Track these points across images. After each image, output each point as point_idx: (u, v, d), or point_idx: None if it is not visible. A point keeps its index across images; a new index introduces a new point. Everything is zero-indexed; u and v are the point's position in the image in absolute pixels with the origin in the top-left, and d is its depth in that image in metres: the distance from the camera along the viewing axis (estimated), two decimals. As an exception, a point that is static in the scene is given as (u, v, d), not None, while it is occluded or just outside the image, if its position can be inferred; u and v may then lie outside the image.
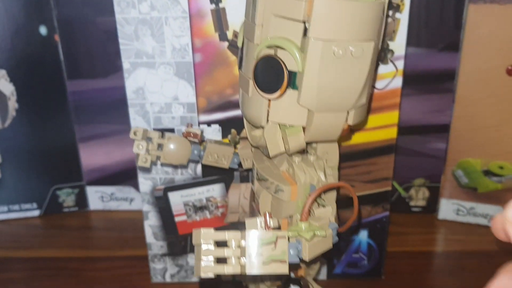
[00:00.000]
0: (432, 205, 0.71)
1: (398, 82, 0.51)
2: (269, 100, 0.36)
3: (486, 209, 0.68)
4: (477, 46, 0.61)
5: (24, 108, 0.67)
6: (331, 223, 0.36)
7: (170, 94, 0.51)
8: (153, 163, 0.51)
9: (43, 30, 0.65)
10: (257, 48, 0.35)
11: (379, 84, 0.51)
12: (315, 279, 0.50)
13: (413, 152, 0.69)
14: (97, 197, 0.74)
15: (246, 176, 0.55)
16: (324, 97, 0.34)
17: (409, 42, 0.57)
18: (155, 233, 0.57)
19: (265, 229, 0.33)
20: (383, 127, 0.53)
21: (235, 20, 0.48)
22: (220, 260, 0.33)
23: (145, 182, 0.55)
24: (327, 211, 0.37)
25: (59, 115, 0.69)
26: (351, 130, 0.51)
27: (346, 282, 0.60)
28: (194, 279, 0.60)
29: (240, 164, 0.48)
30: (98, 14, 0.64)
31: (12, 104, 0.67)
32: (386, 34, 0.48)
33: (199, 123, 0.52)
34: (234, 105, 0.51)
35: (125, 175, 0.73)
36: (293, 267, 0.44)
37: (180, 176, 0.55)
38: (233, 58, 0.49)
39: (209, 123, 0.52)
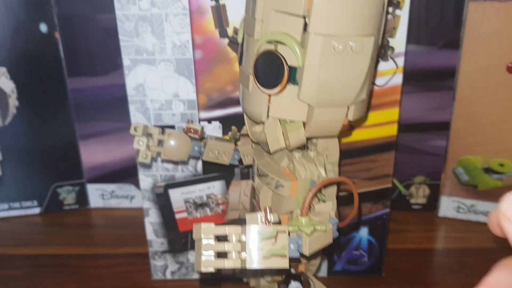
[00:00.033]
0: (432, 202, 0.71)
1: (398, 79, 0.51)
2: (270, 96, 0.36)
3: (486, 207, 0.68)
4: (478, 44, 0.61)
5: (24, 106, 0.68)
6: (332, 218, 0.36)
7: (170, 91, 0.51)
8: (154, 159, 0.52)
9: (43, 27, 0.65)
10: (257, 44, 0.35)
11: (379, 81, 0.51)
12: (315, 276, 0.50)
13: (413, 149, 0.69)
14: (98, 195, 0.74)
15: (246, 173, 0.55)
16: (324, 92, 0.34)
17: (409, 40, 0.57)
18: (156, 230, 0.58)
19: (266, 223, 0.33)
20: (383, 124, 0.53)
21: (235, 16, 0.48)
22: (221, 255, 0.33)
23: (145, 179, 0.55)
24: (328, 206, 0.37)
25: (59, 112, 0.69)
26: (351, 127, 0.51)
27: (347, 279, 0.60)
28: (195, 276, 0.60)
29: (240, 161, 0.48)
30: (98, 12, 0.64)
31: (13, 102, 0.67)
32: (386, 31, 0.48)
33: (200, 120, 0.52)
34: (235, 102, 0.51)
35: (126, 172, 0.73)
36: (293, 262, 0.44)
37: (180, 173, 0.55)
38: (233, 55, 0.50)
39: (209, 120, 0.52)
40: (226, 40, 0.49)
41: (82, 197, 0.74)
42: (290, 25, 0.34)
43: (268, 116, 0.37)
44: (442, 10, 0.61)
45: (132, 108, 0.52)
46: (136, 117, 0.52)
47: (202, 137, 0.48)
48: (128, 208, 0.74)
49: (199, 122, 0.52)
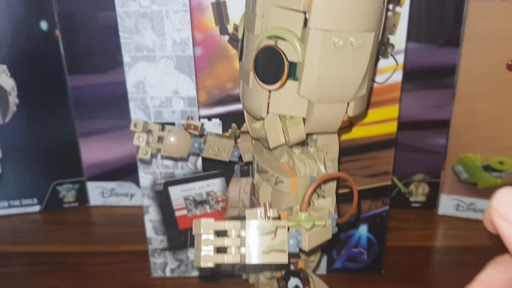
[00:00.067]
0: (432, 200, 0.71)
1: (398, 76, 0.51)
2: (270, 91, 0.36)
3: (486, 205, 0.68)
4: (478, 42, 0.61)
5: (24, 104, 0.68)
6: (331, 214, 0.36)
7: (170, 88, 0.51)
8: (154, 156, 0.52)
9: (44, 25, 0.65)
10: (257, 39, 0.35)
11: (380, 78, 0.51)
12: (315, 273, 0.50)
13: (413, 147, 0.69)
14: (98, 193, 0.74)
15: (246, 170, 0.55)
16: (324, 88, 0.35)
17: (410, 38, 0.57)
18: (156, 227, 0.58)
19: (265, 219, 0.33)
20: (383, 121, 0.53)
21: (235, 13, 0.48)
22: (220, 250, 0.33)
23: (145, 177, 0.55)
24: (327, 202, 0.37)
25: (59, 110, 0.69)
26: (351, 123, 0.51)
27: (346, 276, 0.60)
28: (194, 273, 0.60)
29: (240, 157, 0.48)
30: (98, 9, 0.64)
31: (13, 100, 0.67)
32: (386, 28, 0.48)
33: (200, 117, 0.52)
34: (235, 99, 0.51)
35: (126, 170, 0.73)
36: (293, 258, 0.44)
37: (180, 170, 0.55)
38: (233, 52, 0.50)
39: (209, 117, 0.53)
40: (226, 37, 0.49)
41: (82, 195, 0.74)
42: (290, 20, 0.34)
43: (268, 112, 0.37)
44: (442, 7, 0.61)
45: (132, 105, 0.52)
46: (136, 114, 0.52)
47: (202, 134, 0.48)
48: (128, 206, 0.74)
49: (199, 119, 0.52)
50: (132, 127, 0.45)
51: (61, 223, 0.71)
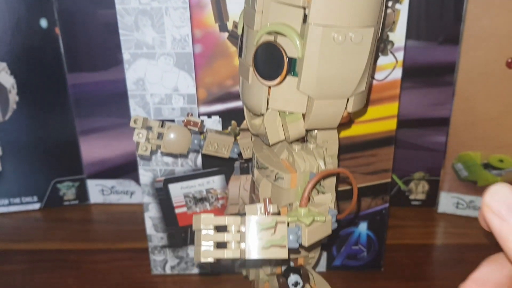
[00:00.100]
0: (431, 198, 0.71)
1: (398, 74, 0.51)
2: (269, 87, 0.36)
3: (485, 203, 0.68)
4: (477, 39, 0.61)
5: (24, 101, 0.68)
6: (331, 210, 0.36)
7: (170, 85, 0.52)
8: (153, 153, 0.52)
9: (43, 23, 0.65)
10: (257, 35, 0.35)
11: (379, 75, 0.51)
12: (314, 270, 0.50)
13: (412, 145, 0.69)
14: (98, 191, 0.75)
15: (246, 168, 0.55)
16: (324, 83, 0.35)
17: (409, 35, 0.57)
18: (155, 224, 0.58)
19: (265, 214, 0.33)
20: (383, 119, 0.53)
21: (235, 10, 0.48)
22: (220, 245, 0.33)
23: (145, 174, 0.55)
24: (327, 198, 0.37)
25: (59, 108, 0.69)
26: (350, 120, 0.51)
27: (346, 274, 0.60)
28: (195, 271, 0.60)
29: (240, 154, 0.49)
30: (98, 7, 0.64)
31: (13, 97, 0.67)
32: (386, 25, 0.49)
33: (199, 115, 0.52)
34: (234, 96, 0.52)
35: (126, 168, 0.73)
36: (293, 255, 0.44)
37: (180, 167, 0.55)
38: (233, 49, 0.50)
39: (209, 115, 0.53)
40: (226, 34, 0.49)
41: (82, 193, 0.74)
42: (290, 16, 0.34)
43: (267, 108, 0.37)
44: (442, 5, 0.61)
45: (132, 103, 0.52)
46: (136, 111, 0.52)
47: (201, 131, 0.48)
48: (128, 204, 0.75)
49: (199, 117, 0.52)
50: (132, 124, 0.45)
51: (61, 221, 0.71)
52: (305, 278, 0.45)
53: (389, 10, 0.48)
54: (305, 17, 0.33)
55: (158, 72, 0.51)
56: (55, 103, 0.69)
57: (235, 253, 0.32)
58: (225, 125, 0.53)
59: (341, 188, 0.52)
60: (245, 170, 0.55)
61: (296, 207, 0.36)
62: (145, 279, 0.60)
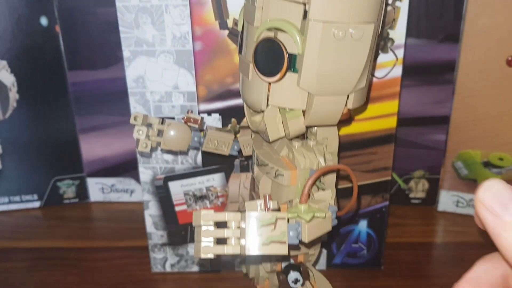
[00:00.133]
0: (431, 197, 0.71)
1: (398, 71, 0.51)
2: (269, 84, 0.36)
3: (485, 201, 0.68)
4: (477, 37, 0.61)
5: (24, 99, 0.68)
6: (331, 206, 0.36)
7: (170, 82, 0.52)
8: (153, 149, 0.52)
9: (44, 21, 0.65)
10: (257, 31, 0.35)
11: (379, 73, 0.51)
12: (314, 267, 0.50)
13: (412, 144, 0.69)
14: (98, 189, 0.75)
15: (246, 165, 0.55)
16: (324, 80, 0.35)
17: (409, 33, 0.57)
18: (155, 222, 0.58)
19: (265, 210, 0.33)
20: (383, 117, 0.53)
21: (235, 8, 0.48)
22: (220, 242, 0.33)
23: (145, 172, 0.55)
24: (327, 194, 0.37)
25: (59, 106, 0.69)
26: (350, 117, 0.51)
27: (346, 272, 0.60)
28: (194, 268, 0.60)
29: (240, 151, 0.49)
30: (98, 5, 0.64)
31: (13, 95, 0.67)
32: (386, 22, 0.48)
33: (199, 112, 0.52)
34: (234, 94, 0.52)
35: (126, 166, 0.73)
36: (293, 251, 0.44)
37: (180, 165, 0.55)
38: (233, 47, 0.50)
39: (209, 112, 0.53)
40: (226, 32, 0.49)
41: (82, 191, 0.74)
42: (290, 12, 0.34)
43: (267, 104, 0.37)
44: (442, 3, 0.61)
45: (132, 100, 0.52)
46: (136, 109, 0.52)
47: (201, 129, 0.48)
48: (128, 202, 0.75)
49: (199, 114, 0.52)
50: (132, 120, 0.45)
51: (61, 219, 0.71)
52: (305, 275, 0.45)
53: (389, 8, 0.48)
54: (305, 13, 0.33)
55: (158, 69, 0.51)
56: (55, 101, 0.69)
57: (235, 249, 0.32)
58: (225, 123, 0.53)
59: (341, 186, 0.52)
60: (245, 168, 0.55)
61: (296, 203, 0.36)
62: (145, 277, 0.60)
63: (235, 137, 0.48)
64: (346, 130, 0.53)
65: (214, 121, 0.53)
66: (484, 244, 0.63)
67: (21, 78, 0.67)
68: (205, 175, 0.56)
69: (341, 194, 0.47)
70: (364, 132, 0.54)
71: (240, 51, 0.40)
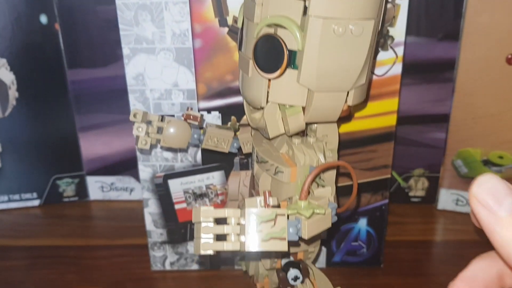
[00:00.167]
0: (431, 195, 0.71)
1: (398, 69, 0.51)
2: (269, 80, 0.36)
3: (485, 199, 0.68)
4: (477, 35, 0.61)
5: (24, 97, 0.68)
6: (330, 203, 0.36)
7: (170, 80, 0.51)
8: (153, 147, 0.52)
9: (43, 19, 0.65)
10: (257, 27, 0.35)
11: (379, 71, 0.51)
12: (314, 265, 0.50)
13: (412, 142, 0.69)
14: (97, 187, 0.74)
15: (246, 163, 0.55)
16: (324, 76, 0.35)
17: (409, 31, 0.57)
18: (155, 220, 0.58)
19: (265, 207, 0.33)
20: (382, 114, 0.53)
21: (235, 5, 0.48)
22: (220, 238, 0.33)
23: (145, 169, 0.55)
24: (327, 191, 0.37)
25: (59, 104, 0.69)
26: (350, 114, 0.51)
27: (345, 270, 0.60)
28: (194, 267, 0.60)
29: (239, 149, 0.48)
30: (98, 3, 0.64)
31: (13, 93, 0.67)
32: (386, 20, 0.48)
33: (199, 110, 0.52)
34: (234, 91, 0.51)
35: (125, 165, 0.73)
36: (292, 248, 0.44)
37: (180, 163, 0.55)
38: (233, 44, 0.50)
39: (209, 110, 0.53)
40: (226, 29, 0.49)
41: (81, 189, 0.74)
42: (290, 8, 0.34)
43: (267, 101, 0.37)
44: (442, 1, 0.61)
45: (131, 98, 0.52)
46: (135, 106, 0.52)
47: (201, 126, 0.48)
48: (128, 201, 0.74)
49: (199, 112, 0.52)
50: (131, 117, 0.45)
51: (61, 217, 0.71)
52: (305, 273, 0.45)
53: (389, 5, 0.48)
54: (305, 9, 0.33)
55: (157, 67, 0.51)
56: (55, 100, 0.69)
57: (234, 245, 0.32)
58: (224, 120, 0.53)
59: (341, 183, 0.52)
60: (244, 166, 0.55)
61: (296, 200, 0.36)
62: (145, 275, 0.60)
63: (235, 134, 0.48)
64: (346, 128, 0.53)
65: (213, 119, 0.53)
66: (483, 242, 0.63)
67: (20, 76, 0.67)
68: (205, 173, 0.56)
69: (341, 192, 0.47)
70: (363, 130, 0.53)
71: (240, 48, 0.40)
